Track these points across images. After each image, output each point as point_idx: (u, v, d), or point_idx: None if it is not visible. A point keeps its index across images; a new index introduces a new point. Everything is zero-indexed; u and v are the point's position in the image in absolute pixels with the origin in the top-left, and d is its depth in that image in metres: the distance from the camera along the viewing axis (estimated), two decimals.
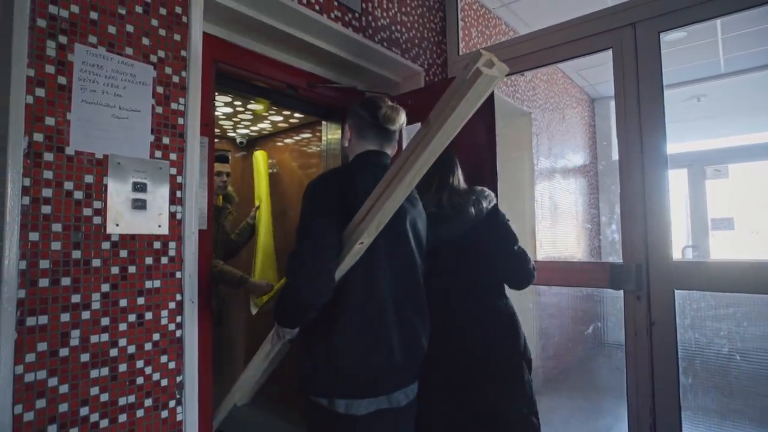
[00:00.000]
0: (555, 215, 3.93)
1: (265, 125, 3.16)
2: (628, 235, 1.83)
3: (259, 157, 2.73)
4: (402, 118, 1.32)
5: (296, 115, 2.90)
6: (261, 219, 2.57)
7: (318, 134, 3.07)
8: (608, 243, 4.96)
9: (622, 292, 1.83)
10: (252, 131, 3.34)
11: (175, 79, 1.42)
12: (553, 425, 2.28)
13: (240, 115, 2.90)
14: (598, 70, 4.17)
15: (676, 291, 1.71)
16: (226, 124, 3.12)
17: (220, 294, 2.43)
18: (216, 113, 2.84)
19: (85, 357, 1.19)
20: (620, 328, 1.87)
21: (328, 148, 2.57)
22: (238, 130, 3.31)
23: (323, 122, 2.58)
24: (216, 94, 2.52)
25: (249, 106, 2.72)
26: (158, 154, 1.37)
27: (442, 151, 1.14)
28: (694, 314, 1.84)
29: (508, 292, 1.60)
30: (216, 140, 3.63)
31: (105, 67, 1.26)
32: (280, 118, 2.97)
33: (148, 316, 1.32)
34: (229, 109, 2.76)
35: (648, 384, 1.74)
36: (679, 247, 4.18)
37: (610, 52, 1.94)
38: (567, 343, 3.05)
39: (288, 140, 3.33)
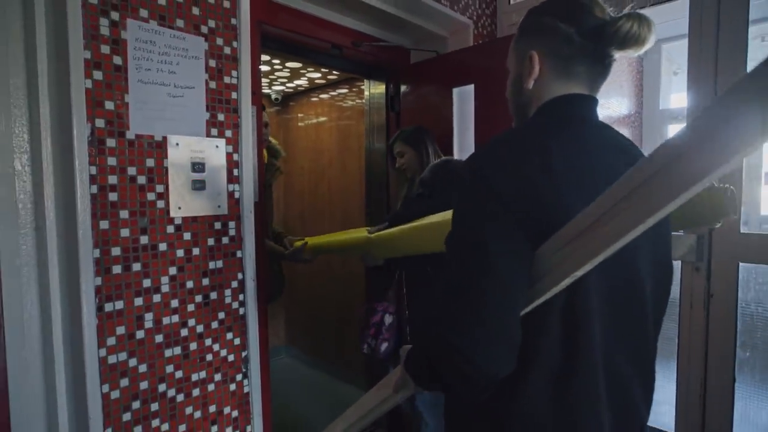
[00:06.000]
0: None
1: (301, 81, 3.06)
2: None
3: None
4: (653, 36, 0.70)
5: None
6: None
7: (355, 89, 2.96)
8: None
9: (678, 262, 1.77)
10: (287, 87, 3.24)
11: (227, 50, 1.35)
12: None
13: (277, 72, 2.80)
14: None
15: (741, 264, 1.64)
16: (263, 81, 3.02)
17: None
18: None
19: (159, 338, 1.23)
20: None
21: (371, 103, 2.46)
22: (274, 87, 3.22)
23: (365, 80, 2.47)
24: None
25: (287, 64, 2.61)
26: (214, 132, 1.33)
27: None
28: (759, 288, 1.77)
29: None
30: None
31: (158, 42, 1.19)
32: (318, 75, 2.86)
33: (213, 296, 1.34)
34: (266, 67, 2.66)
35: (701, 355, 1.72)
36: None
37: None
38: None
39: (323, 96, 3.24)
